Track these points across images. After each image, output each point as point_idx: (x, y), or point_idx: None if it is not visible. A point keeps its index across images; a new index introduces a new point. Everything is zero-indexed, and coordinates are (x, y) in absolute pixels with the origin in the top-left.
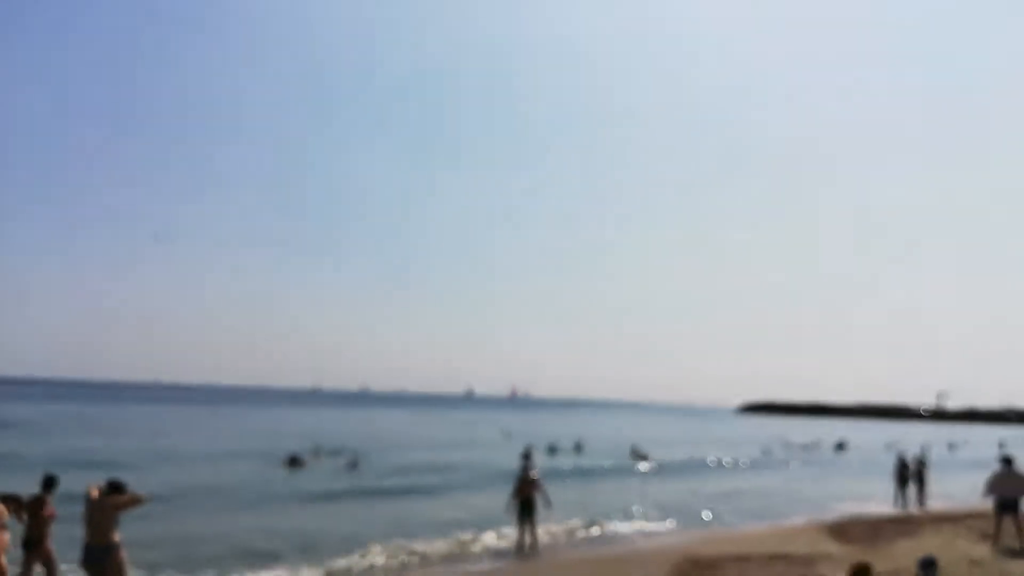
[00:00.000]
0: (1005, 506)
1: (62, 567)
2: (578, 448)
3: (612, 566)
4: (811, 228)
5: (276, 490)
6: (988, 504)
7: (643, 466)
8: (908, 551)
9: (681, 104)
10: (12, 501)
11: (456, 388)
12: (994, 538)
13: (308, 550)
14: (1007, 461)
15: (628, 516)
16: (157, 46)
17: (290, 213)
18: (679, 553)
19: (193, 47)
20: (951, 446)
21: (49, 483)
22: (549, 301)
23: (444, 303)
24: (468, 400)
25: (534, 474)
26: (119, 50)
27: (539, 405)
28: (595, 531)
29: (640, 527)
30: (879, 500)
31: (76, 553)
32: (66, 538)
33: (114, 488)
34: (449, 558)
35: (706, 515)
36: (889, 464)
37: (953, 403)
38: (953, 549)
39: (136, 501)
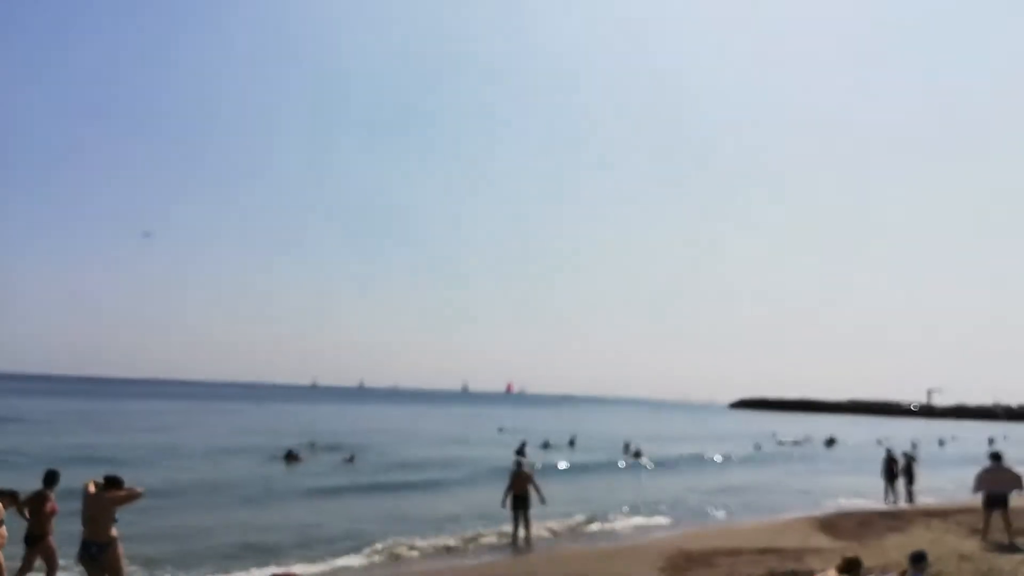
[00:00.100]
0: (994, 501)
1: (60, 562)
2: (572, 443)
3: (606, 560)
4: (805, 227)
5: (274, 485)
6: (977, 499)
7: (636, 461)
8: (898, 546)
9: (678, 103)
10: (8, 496)
11: (452, 384)
12: (983, 533)
13: (306, 545)
14: (996, 457)
15: (621, 511)
16: (157, 46)
17: (289, 212)
18: (672, 547)
19: (193, 47)
20: (940, 442)
21: (50, 478)
22: (544, 298)
23: (441, 300)
24: (464, 396)
25: (528, 469)
26: (119, 50)
27: (535, 400)
28: (595, 527)
29: (633, 522)
30: (869, 495)
31: (74, 549)
32: (64, 534)
33: (111, 483)
34: (445, 553)
35: (698, 510)
36: (879, 460)
37: (942, 400)
38: (943, 544)
39: (133, 496)
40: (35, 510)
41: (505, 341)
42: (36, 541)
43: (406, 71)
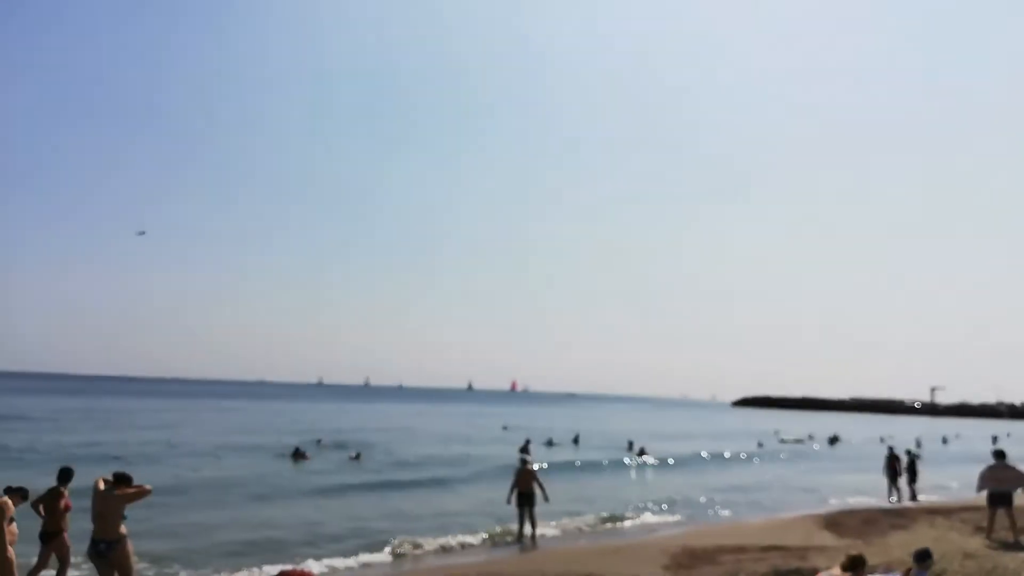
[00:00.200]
0: (998, 499)
1: (71, 559)
2: (576, 441)
3: (611, 557)
4: (808, 225)
5: (281, 483)
6: (981, 497)
7: (640, 459)
8: (902, 544)
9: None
10: (18, 494)
11: (457, 382)
12: (987, 531)
13: (313, 543)
14: (999, 455)
15: (627, 509)
16: (156, 46)
17: (294, 212)
18: (676, 544)
19: (191, 48)
20: (944, 440)
21: (64, 475)
22: (548, 296)
23: (446, 299)
24: (469, 394)
25: (532, 467)
26: (119, 50)
27: (539, 399)
28: (600, 524)
29: (638, 519)
30: (873, 493)
31: (83, 546)
32: (74, 531)
33: (120, 480)
34: (451, 550)
35: (702, 507)
36: (882, 458)
37: (946, 398)
38: (947, 542)
39: (142, 493)
40: (50, 507)
41: (509, 340)
42: (51, 538)
43: (399, 71)
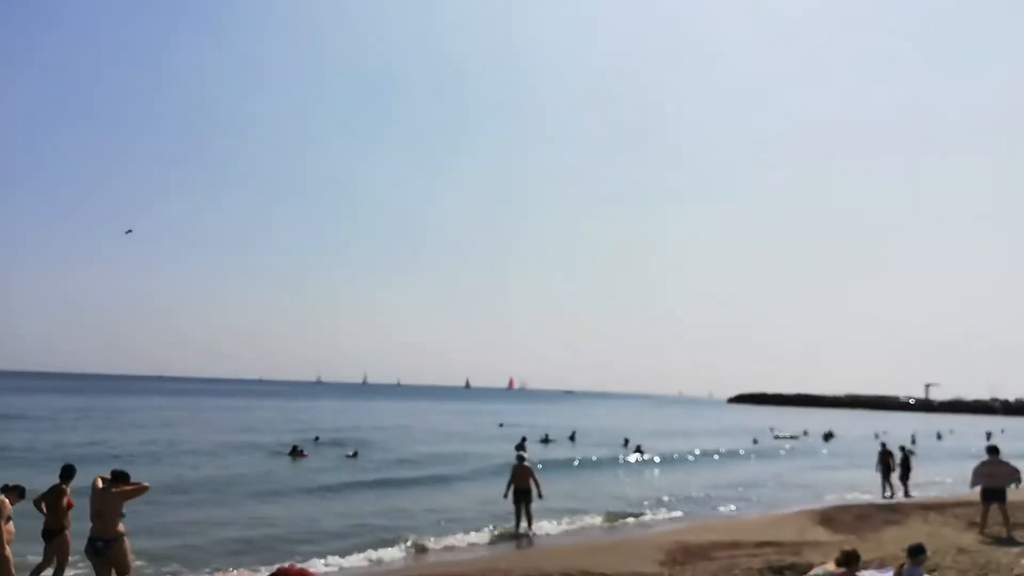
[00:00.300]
0: (991, 495)
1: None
2: (572, 438)
3: (606, 553)
4: (804, 225)
5: (279, 481)
6: (975, 493)
7: (636, 456)
8: (896, 539)
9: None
10: (15, 492)
11: (454, 380)
12: (981, 526)
13: (311, 540)
14: (993, 451)
15: (621, 505)
16: (154, 46)
17: (292, 210)
18: (671, 540)
19: (189, 49)
20: (939, 436)
21: (67, 472)
22: (548, 294)
23: (444, 297)
24: (466, 391)
25: (528, 464)
26: (117, 50)
27: (536, 396)
28: (604, 522)
29: (633, 516)
30: (867, 489)
31: (81, 544)
32: (74, 530)
33: (118, 478)
34: (448, 547)
35: (697, 504)
36: (876, 454)
37: (940, 394)
38: (940, 537)
39: (140, 490)
40: (52, 505)
41: (507, 338)
42: (53, 536)
43: (392, 72)
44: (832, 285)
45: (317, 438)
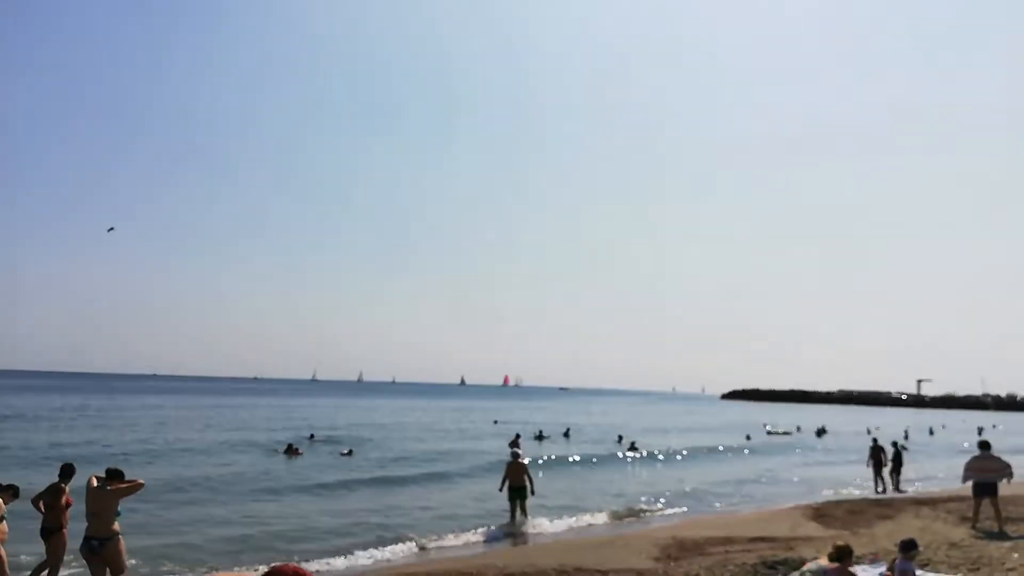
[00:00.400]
0: (983, 489)
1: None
2: (567, 435)
3: (602, 549)
4: (797, 221)
5: (274, 479)
6: (967, 488)
7: (630, 453)
8: (888, 533)
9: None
10: (9, 492)
11: (450, 377)
12: (973, 521)
13: (306, 538)
14: (984, 446)
15: (616, 502)
16: (154, 46)
17: (288, 209)
18: (665, 536)
19: (187, 49)
20: (931, 431)
21: (66, 471)
22: (542, 292)
23: (439, 295)
24: (461, 389)
25: (522, 460)
26: (116, 50)
27: (531, 393)
28: (599, 519)
29: (628, 512)
30: (859, 484)
31: (76, 543)
32: (71, 529)
33: (112, 476)
34: (444, 544)
35: (691, 500)
36: (868, 449)
37: (932, 390)
38: (932, 532)
39: (135, 487)
40: (51, 503)
41: (502, 335)
42: (51, 534)
43: (389, 72)
44: (825, 283)
45: (312, 436)
